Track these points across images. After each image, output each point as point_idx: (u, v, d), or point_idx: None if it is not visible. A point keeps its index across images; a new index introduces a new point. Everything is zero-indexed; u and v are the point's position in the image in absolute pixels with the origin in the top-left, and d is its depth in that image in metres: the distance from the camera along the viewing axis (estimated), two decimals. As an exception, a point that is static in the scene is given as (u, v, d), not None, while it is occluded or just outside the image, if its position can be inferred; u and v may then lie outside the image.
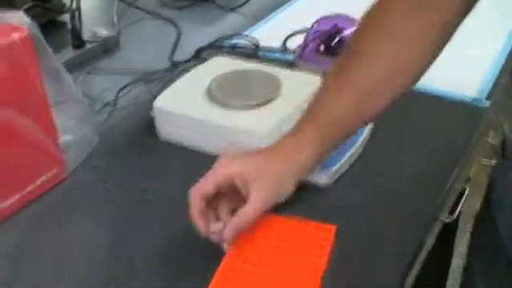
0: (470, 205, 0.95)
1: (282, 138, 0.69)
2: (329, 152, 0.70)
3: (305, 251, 0.65)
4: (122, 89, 0.96)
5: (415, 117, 0.90)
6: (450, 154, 0.83)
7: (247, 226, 0.64)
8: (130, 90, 0.97)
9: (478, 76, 1.00)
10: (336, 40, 0.96)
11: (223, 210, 0.66)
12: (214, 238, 0.65)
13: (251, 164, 0.66)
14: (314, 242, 0.66)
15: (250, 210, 0.64)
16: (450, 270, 1.14)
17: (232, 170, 0.66)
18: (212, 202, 0.66)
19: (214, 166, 0.67)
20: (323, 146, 0.68)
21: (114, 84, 0.98)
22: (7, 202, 0.72)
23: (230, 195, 0.67)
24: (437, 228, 0.86)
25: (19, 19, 0.69)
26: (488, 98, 0.94)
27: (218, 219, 0.66)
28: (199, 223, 0.64)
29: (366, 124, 0.81)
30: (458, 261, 1.07)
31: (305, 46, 0.99)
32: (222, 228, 0.64)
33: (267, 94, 0.83)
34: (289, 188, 0.66)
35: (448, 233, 0.91)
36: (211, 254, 0.66)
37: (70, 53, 1.06)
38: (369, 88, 0.66)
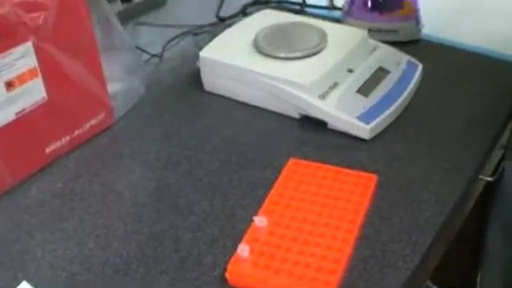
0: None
1: None
2: None
3: (345, 198, 0.65)
4: (168, 41, 0.97)
5: (462, 74, 0.89)
6: (499, 112, 0.81)
7: None
8: (177, 43, 0.98)
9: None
10: (384, -5, 0.95)
11: None
12: None
13: None
14: (354, 189, 0.66)
15: None
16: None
17: None
18: None
19: None
20: None
21: (160, 37, 0.99)
22: (57, 144, 0.75)
23: None
24: (478, 187, 0.85)
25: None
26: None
27: None
28: None
29: None
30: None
31: (352, 1, 0.98)
32: None
33: (313, 46, 0.83)
34: None
35: (489, 194, 0.90)
36: (255, 199, 0.67)
37: (118, 6, 1.07)
38: None
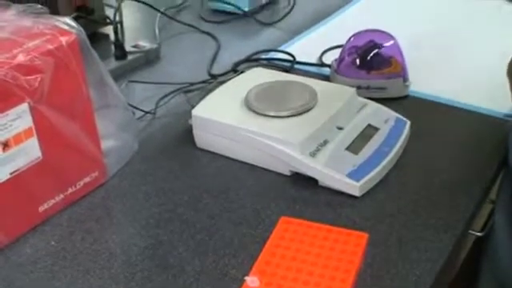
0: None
1: None
2: None
3: (337, 257, 0.66)
4: (161, 98, 0.99)
5: (449, 130, 0.91)
6: (487, 167, 0.83)
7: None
8: (170, 100, 1.00)
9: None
10: (372, 54, 0.98)
11: None
12: None
13: None
14: (345, 248, 0.67)
15: None
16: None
17: None
18: None
19: None
20: None
21: (153, 94, 1.01)
22: (50, 202, 0.75)
23: None
24: (468, 242, 0.86)
25: (67, 24, 0.72)
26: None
27: None
28: None
29: None
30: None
31: (341, 59, 1.01)
32: None
33: (303, 104, 0.85)
34: None
35: (479, 249, 0.91)
36: (247, 258, 0.68)
37: (112, 64, 1.10)
38: None
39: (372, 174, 0.78)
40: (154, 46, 1.18)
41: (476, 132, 0.91)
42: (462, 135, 0.90)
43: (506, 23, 1.28)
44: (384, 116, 0.88)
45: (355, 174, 0.78)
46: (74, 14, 1.10)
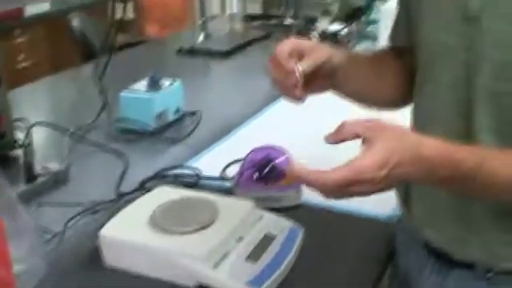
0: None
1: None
2: None
3: None
4: (69, 220, 1.03)
5: (340, 234, 1.00)
6: (374, 265, 0.92)
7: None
8: (78, 221, 1.04)
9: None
10: (268, 168, 1.07)
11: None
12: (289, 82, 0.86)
13: None
14: None
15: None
16: None
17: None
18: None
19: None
20: None
21: (62, 215, 1.05)
22: (-42, 331, 0.76)
23: None
24: None
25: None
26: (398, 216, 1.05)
27: None
28: (283, 55, 0.85)
29: None
30: None
31: (240, 174, 1.09)
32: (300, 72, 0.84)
33: (206, 219, 0.92)
34: None
35: None
36: None
37: (21, 187, 1.13)
38: None
39: (271, 280, 0.85)
40: (63, 166, 1.22)
41: (364, 235, 1.00)
42: (351, 239, 0.99)
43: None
44: (280, 225, 0.95)
45: (256, 282, 0.84)
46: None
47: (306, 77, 0.87)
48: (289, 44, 0.88)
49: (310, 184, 0.73)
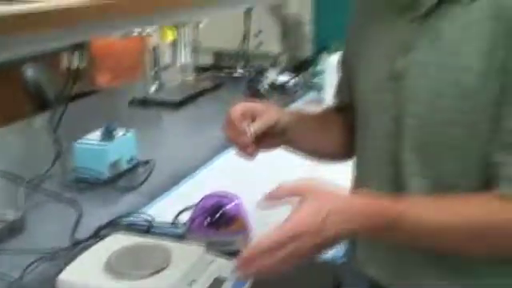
0: None
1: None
2: None
3: None
4: (28, 266, 1.06)
5: (287, 276, 1.05)
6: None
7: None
8: (36, 267, 1.07)
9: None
10: (218, 214, 1.13)
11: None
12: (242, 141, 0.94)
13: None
14: None
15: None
16: None
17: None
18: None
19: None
20: None
21: (19, 263, 1.08)
22: None
23: None
24: None
25: None
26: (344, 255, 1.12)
27: None
28: (236, 116, 0.93)
29: None
30: None
31: (192, 220, 1.15)
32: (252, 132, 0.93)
33: (158, 264, 0.97)
34: None
35: None
36: None
37: (-22, 235, 1.16)
38: None
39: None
40: (19, 215, 1.25)
41: (313, 274, 1.06)
42: (300, 279, 1.05)
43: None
44: (230, 267, 1.01)
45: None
46: None
47: (258, 136, 0.96)
48: (241, 106, 0.97)
49: (253, 255, 0.78)
